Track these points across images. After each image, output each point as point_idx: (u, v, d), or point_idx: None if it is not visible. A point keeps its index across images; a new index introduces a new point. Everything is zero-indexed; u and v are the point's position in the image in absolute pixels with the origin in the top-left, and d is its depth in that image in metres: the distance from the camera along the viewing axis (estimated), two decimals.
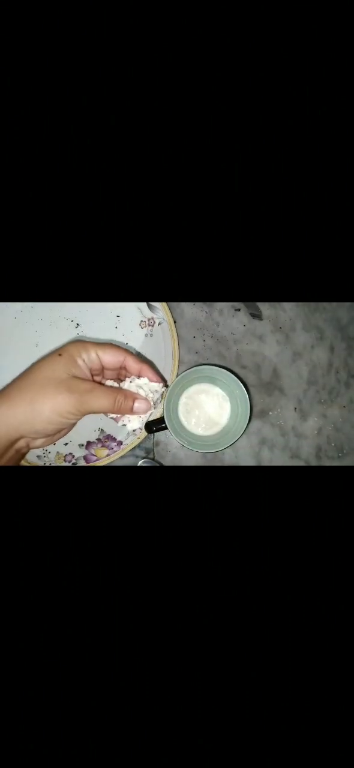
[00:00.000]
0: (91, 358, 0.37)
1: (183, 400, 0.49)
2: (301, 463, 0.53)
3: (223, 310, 0.54)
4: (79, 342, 0.37)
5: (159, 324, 0.51)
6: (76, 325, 0.51)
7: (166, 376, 0.51)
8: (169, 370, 0.50)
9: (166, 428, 0.46)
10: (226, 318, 0.54)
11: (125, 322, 0.52)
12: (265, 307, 0.54)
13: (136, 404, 0.39)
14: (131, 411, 0.39)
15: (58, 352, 0.36)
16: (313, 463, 0.53)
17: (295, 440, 0.53)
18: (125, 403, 0.38)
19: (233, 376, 0.46)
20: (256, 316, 0.53)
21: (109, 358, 0.38)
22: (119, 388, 0.39)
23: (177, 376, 0.50)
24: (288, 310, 0.55)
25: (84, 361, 0.37)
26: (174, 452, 0.52)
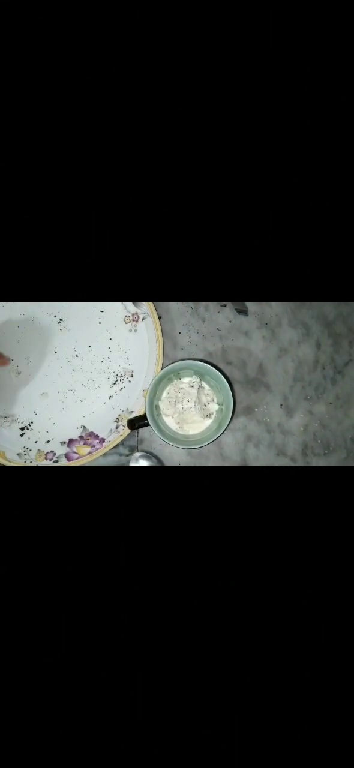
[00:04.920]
0: None
1: (166, 395, 0.48)
2: (287, 460, 0.52)
3: (208, 306, 0.53)
4: None
5: (143, 319, 0.51)
6: (59, 320, 0.50)
7: (151, 373, 0.50)
8: (153, 366, 0.50)
9: (149, 425, 0.45)
10: (212, 314, 0.53)
11: (109, 317, 0.51)
12: (250, 303, 0.54)
13: None
14: None
15: None
16: (300, 460, 0.53)
17: (281, 437, 0.53)
18: None
19: (216, 370, 0.46)
20: (242, 312, 0.53)
21: None
22: None
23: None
24: (274, 306, 0.54)
25: None
26: (159, 449, 0.51)
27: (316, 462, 0.53)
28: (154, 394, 0.46)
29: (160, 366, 0.50)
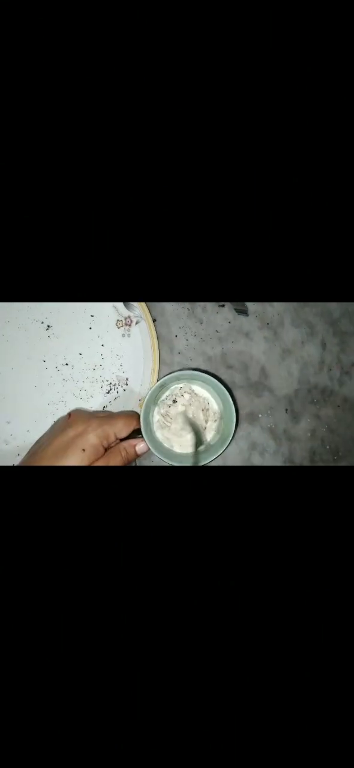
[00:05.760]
0: (111, 440, 0.40)
1: (160, 410, 0.45)
2: None
3: (206, 306, 0.50)
4: (100, 429, 0.39)
5: (137, 323, 0.47)
6: (46, 327, 0.47)
7: (146, 380, 0.47)
8: (149, 373, 0.47)
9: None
10: (210, 315, 0.50)
11: (100, 322, 0.48)
12: (251, 303, 0.51)
13: (138, 447, 0.42)
14: (136, 455, 0.42)
15: (81, 447, 0.38)
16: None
17: (288, 444, 0.50)
18: (130, 451, 0.41)
19: (218, 382, 0.42)
20: (242, 311, 0.50)
21: (125, 432, 0.41)
22: (118, 442, 0.41)
23: (158, 378, 0.47)
24: (276, 304, 0.51)
25: (104, 446, 0.39)
26: (157, 461, 0.48)
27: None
28: (148, 410, 0.43)
29: (157, 372, 0.46)
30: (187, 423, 0.44)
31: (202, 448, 0.44)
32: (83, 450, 0.37)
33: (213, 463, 0.48)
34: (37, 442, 0.43)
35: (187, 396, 0.44)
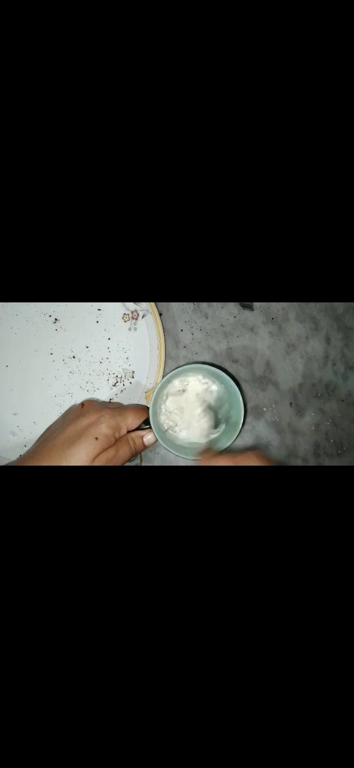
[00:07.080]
0: (122, 432, 0.41)
1: (169, 402, 0.45)
2: (299, 462, 0.50)
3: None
4: (113, 420, 0.40)
5: (143, 317, 0.48)
6: (54, 320, 0.48)
7: (152, 373, 0.47)
8: (155, 366, 0.47)
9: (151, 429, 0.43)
10: (216, 309, 0.51)
11: (107, 315, 0.48)
12: None
13: (146, 439, 0.43)
14: (144, 446, 0.43)
15: (94, 435, 0.38)
16: (312, 461, 0.50)
17: (292, 437, 0.50)
18: (138, 442, 0.42)
19: (226, 375, 0.43)
20: (247, 306, 0.50)
21: (135, 425, 0.42)
22: (127, 433, 0.42)
23: (164, 371, 0.47)
24: None
25: (115, 437, 0.40)
26: (163, 454, 0.49)
27: (329, 463, 0.50)
28: (157, 401, 0.43)
29: (162, 365, 0.47)
30: (193, 414, 0.44)
31: (213, 435, 0.45)
32: (96, 438, 0.38)
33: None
34: (49, 428, 0.43)
35: (194, 388, 0.45)
